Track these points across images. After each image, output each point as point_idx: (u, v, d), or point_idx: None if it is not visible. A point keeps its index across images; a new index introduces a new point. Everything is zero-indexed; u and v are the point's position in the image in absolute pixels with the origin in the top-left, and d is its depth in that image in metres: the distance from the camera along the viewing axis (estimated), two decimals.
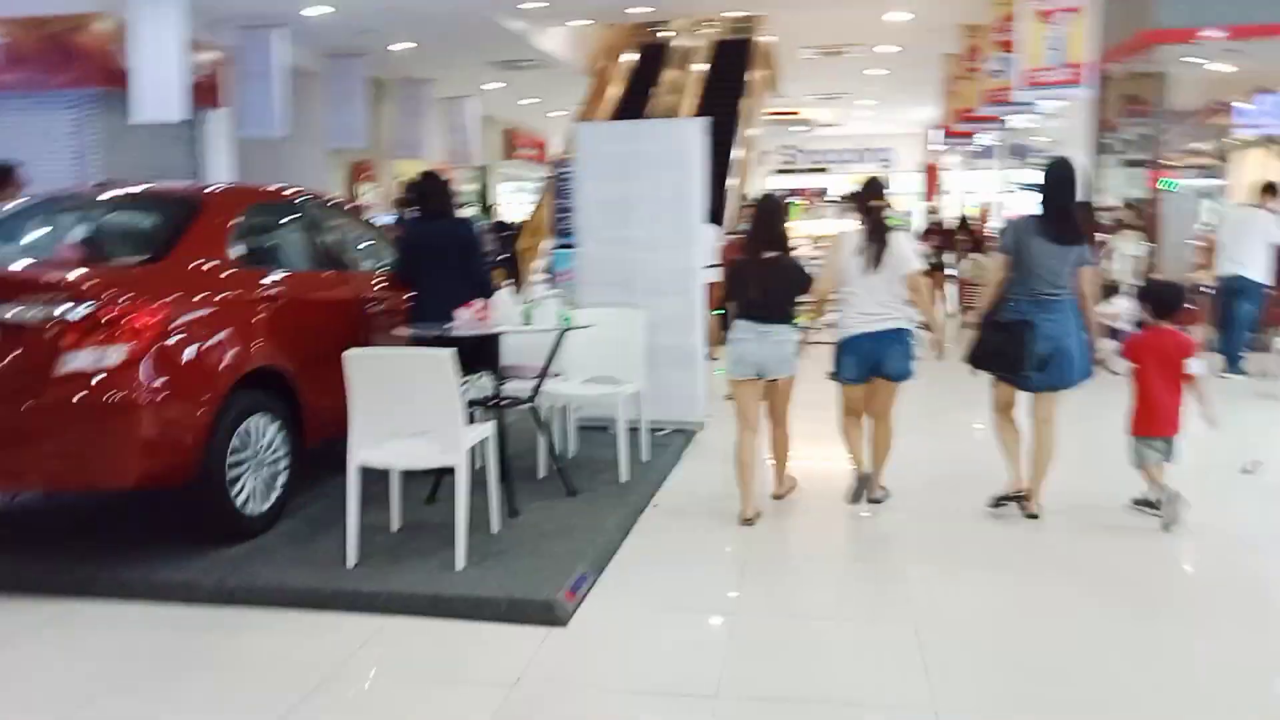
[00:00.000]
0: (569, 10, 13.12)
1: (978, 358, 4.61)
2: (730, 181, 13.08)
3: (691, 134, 6.31)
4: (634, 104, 14.36)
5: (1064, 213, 4.48)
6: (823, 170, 26.82)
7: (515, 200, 22.03)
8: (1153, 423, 4.50)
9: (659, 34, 16.91)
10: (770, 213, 4.83)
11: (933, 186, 24.05)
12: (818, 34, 14.74)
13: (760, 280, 4.59)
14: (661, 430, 6.01)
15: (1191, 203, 11.59)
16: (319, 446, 4.67)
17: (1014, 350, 4.41)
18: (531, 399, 4.83)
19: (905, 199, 22.84)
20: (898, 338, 4.59)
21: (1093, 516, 4.68)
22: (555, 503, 4.74)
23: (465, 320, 4.56)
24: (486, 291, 4.91)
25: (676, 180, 6.17)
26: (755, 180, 15.72)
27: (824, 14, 13.19)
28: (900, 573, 4.15)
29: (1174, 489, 4.43)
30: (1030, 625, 3.55)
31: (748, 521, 4.56)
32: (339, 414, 3.94)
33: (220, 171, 11.70)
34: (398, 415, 3.91)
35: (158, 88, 9.78)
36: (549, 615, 3.53)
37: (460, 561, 3.86)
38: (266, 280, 4.54)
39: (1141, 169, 11.18)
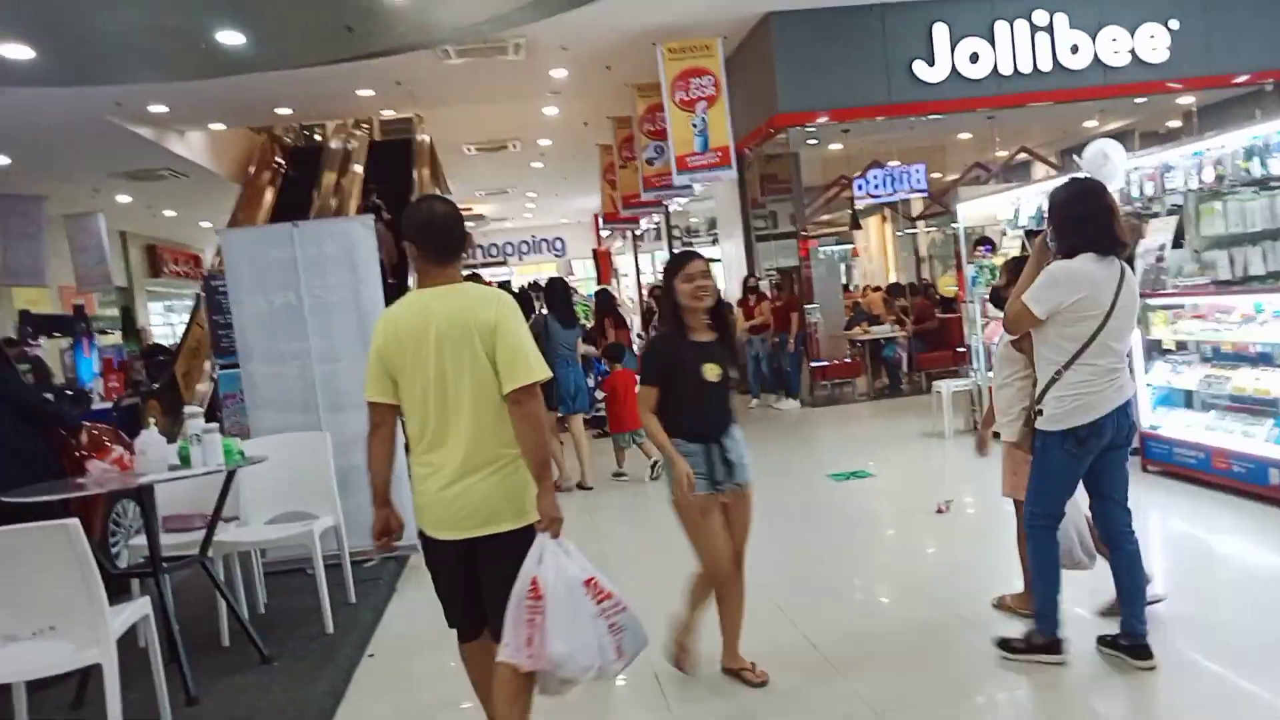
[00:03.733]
0: (203, 113, 12.10)
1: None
2: (412, 280, 12.57)
3: (359, 232, 5.82)
4: (293, 209, 13.46)
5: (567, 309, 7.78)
6: (502, 263, 27.21)
7: (169, 321, 19.88)
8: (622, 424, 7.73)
9: (313, 137, 16.19)
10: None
11: (606, 271, 25.03)
12: (476, 131, 14.85)
13: None
14: (369, 562, 5.34)
15: (834, 266, 12.91)
16: None
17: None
18: (201, 554, 4.02)
19: (583, 284, 23.54)
20: None
21: None
22: (247, 674, 3.93)
23: (101, 473, 3.70)
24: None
25: (349, 282, 5.63)
26: None
27: (477, 110, 13.30)
28: None
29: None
30: None
31: None
32: None
33: None
34: (11, 611, 3.00)
35: None
36: None
37: None
38: None
39: (792, 240, 12.24)
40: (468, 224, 24.97)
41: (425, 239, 2.74)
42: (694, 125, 10.86)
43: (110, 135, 11.25)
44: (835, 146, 12.95)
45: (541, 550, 2.59)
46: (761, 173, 13.02)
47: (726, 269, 14.27)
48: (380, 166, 14.76)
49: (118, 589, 3.66)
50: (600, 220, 21.21)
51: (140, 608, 3.36)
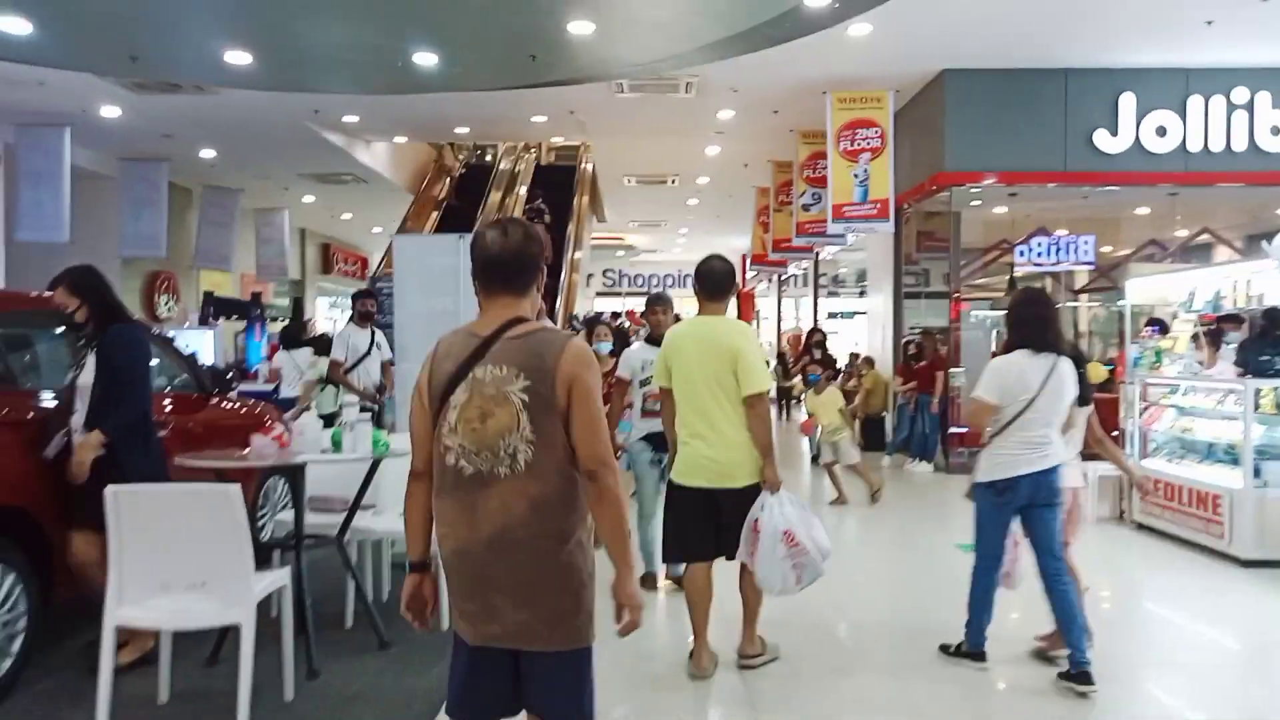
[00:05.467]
0: (389, 126, 12.89)
1: None
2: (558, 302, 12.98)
3: None
4: (458, 225, 14.14)
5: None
6: (646, 293, 27.59)
7: (331, 316, 21.15)
8: None
9: (484, 156, 16.96)
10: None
11: (747, 311, 25.01)
12: (638, 163, 15.20)
13: None
14: None
15: (986, 331, 12.45)
16: (71, 600, 3.89)
17: None
18: (339, 536, 4.26)
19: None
20: None
21: None
22: (364, 658, 4.12)
23: (262, 448, 3.99)
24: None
25: None
26: (581, 302, 15.72)
27: (641, 143, 13.61)
28: None
29: None
30: None
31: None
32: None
33: None
34: (171, 564, 3.27)
35: None
36: None
37: None
38: (15, 401, 3.82)
39: (943, 300, 11.91)
40: (617, 253, 25.66)
41: (705, 284, 4.07)
42: (855, 175, 10.78)
43: (305, 139, 12.13)
44: (1000, 209, 12.56)
45: (764, 503, 3.86)
46: (919, 229, 12.76)
47: (872, 322, 14.02)
48: (544, 189, 15.32)
49: (260, 558, 3.92)
50: (747, 261, 21.24)
51: (280, 577, 3.59)
